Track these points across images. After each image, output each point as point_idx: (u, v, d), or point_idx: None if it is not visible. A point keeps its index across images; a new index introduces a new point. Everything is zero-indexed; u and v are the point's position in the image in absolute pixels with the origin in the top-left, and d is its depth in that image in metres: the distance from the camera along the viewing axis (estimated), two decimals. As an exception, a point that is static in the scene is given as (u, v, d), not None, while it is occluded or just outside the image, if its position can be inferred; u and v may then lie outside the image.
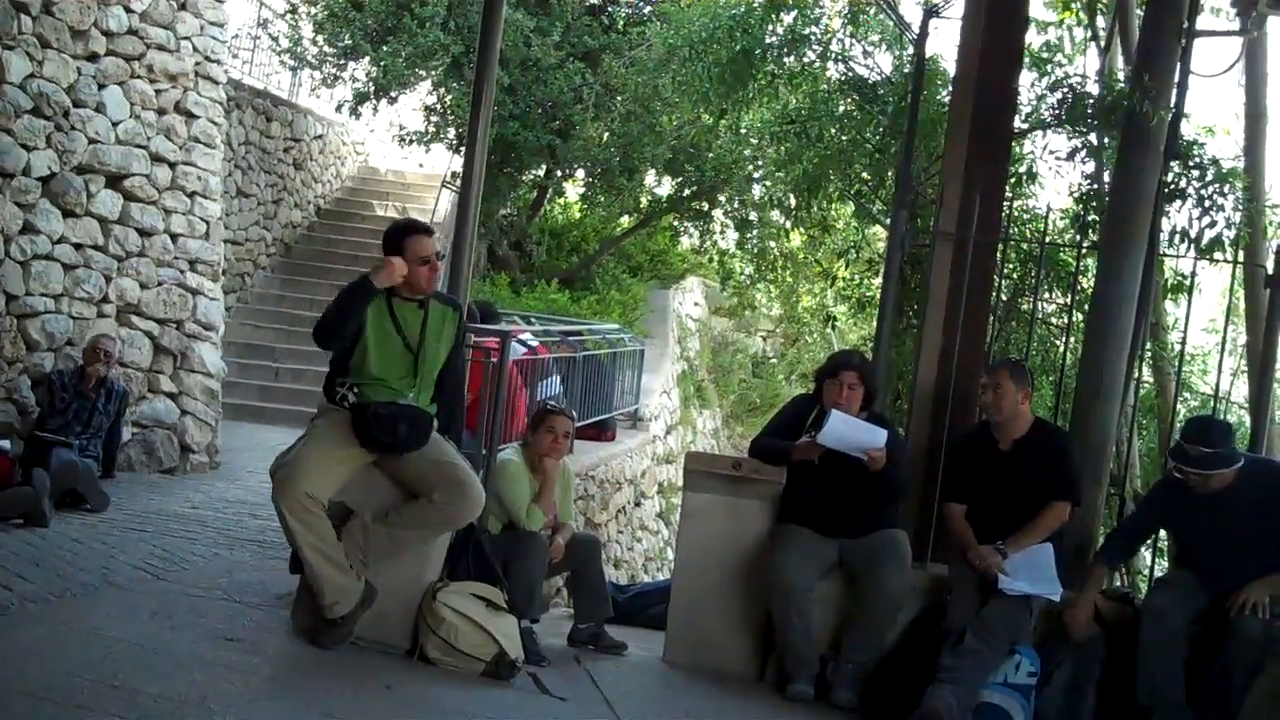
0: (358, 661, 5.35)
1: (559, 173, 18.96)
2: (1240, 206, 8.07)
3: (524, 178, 18.77)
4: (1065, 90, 8.94)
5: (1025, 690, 5.72)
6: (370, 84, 17.23)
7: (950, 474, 6.36)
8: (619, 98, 17.43)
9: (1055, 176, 10.24)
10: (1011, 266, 9.29)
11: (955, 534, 6.16)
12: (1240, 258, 8.27)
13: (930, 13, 8.86)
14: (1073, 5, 10.72)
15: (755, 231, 19.60)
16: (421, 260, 5.52)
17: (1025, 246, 9.26)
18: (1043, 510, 6.00)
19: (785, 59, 11.89)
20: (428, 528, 5.60)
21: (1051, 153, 9.55)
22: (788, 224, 16.45)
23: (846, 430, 6.05)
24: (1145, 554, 9.55)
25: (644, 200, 19.63)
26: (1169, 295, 10.49)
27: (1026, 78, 8.90)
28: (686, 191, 19.28)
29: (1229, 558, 5.69)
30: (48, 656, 4.68)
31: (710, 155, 17.94)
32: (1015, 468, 6.06)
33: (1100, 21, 10.29)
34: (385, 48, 16.62)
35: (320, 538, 5.29)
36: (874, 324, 8.92)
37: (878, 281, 10.51)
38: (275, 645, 5.47)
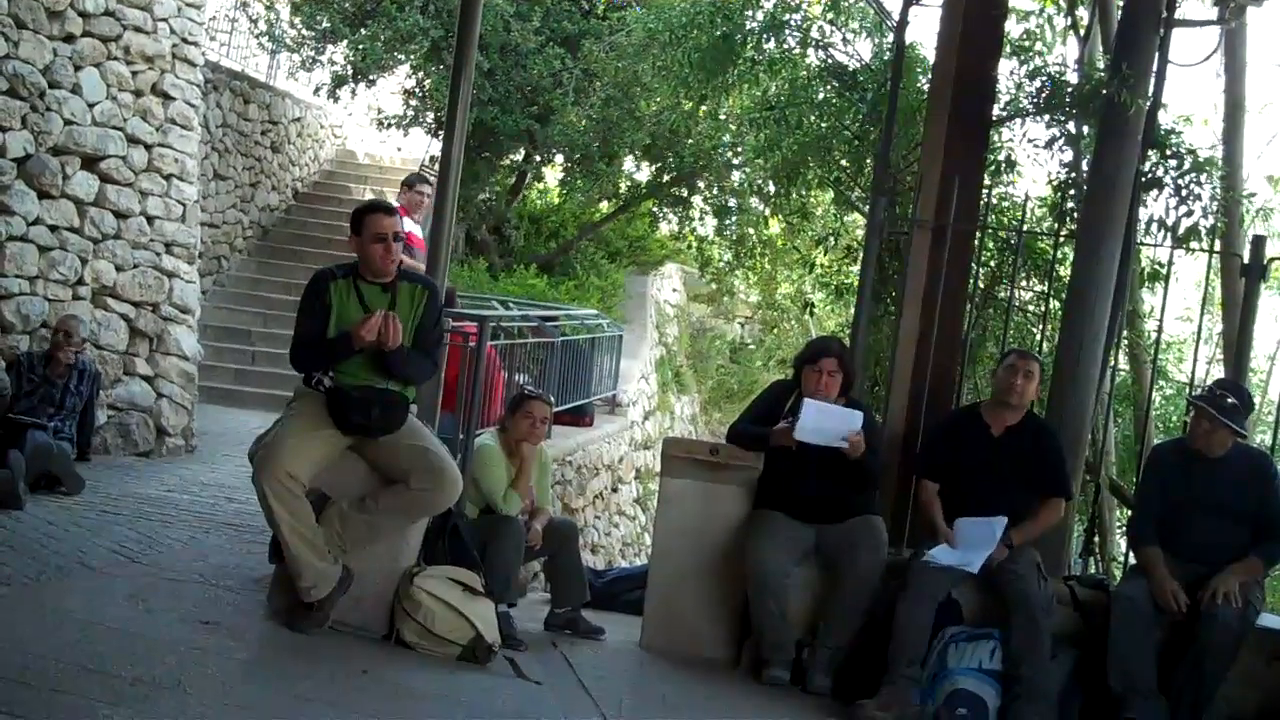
0: (334, 646, 5.35)
1: (538, 157, 18.89)
2: (1217, 196, 8.10)
3: (503, 162, 18.71)
4: (1044, 79, 8.96)
5: (998, 676, 5.73)
6: (348, 67, 17.14)
7: (929, 451, 6.40)
8: (598, 83, 17.38)
9: (1034, 165, 10.26)
10: (989, 254, 9.30)
11: (925, 511, 6.20)
12: (1216, 247, 8.31)
13: (910, 0, 8.86)
14: (1053, -6, 10.72)
15: (734, 218, 19.56)
16: (376, 238, 5.50)
17: (1003, 234, 9.28)
18: (1043, 507, 6.09)
19: (765, 45, 11.87)
20: (405, 514, 5.60)
21: (1030, 141, 9.55)
22: (766, 211, 16.43)
23: (822, 419, 6.07)
24: (1120, 540, 9.63)
25: (623, 186, 19.57)
26: (1145, 284, 10.53)
27: (1006, 66, 8.90)
28: (665, 177, 19.25)
29: (1208, 532, 5.78)
30: (22, 639, 4.66)
31: (689, 141, 17.89)
32: (1003, 454, 6.11)
33: (1080, 11, 10.30)
34: (364, 31, 16.54)
35: (300, 520, 5.29)
36: (852, 311, 8.93)
37: (856, 269, 10.50)
38: (251, 629, 5.47)
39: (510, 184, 19.61)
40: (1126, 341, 10.44)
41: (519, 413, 6.70)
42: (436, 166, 8.99)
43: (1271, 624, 5.89)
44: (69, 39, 9.11)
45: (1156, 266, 9.56)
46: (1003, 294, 8.82)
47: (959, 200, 6.80)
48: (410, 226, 9.22)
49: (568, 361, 12.13)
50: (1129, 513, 7.33)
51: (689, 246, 20.84)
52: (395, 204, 9.14)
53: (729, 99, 15.01)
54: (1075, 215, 8.29)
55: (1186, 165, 7.99)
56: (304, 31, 17.47)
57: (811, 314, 16.76)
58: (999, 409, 6.22)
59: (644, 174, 19.94)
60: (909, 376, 6.95)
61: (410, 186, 9.79)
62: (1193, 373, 7.77)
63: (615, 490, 14.48)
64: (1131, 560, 6.23)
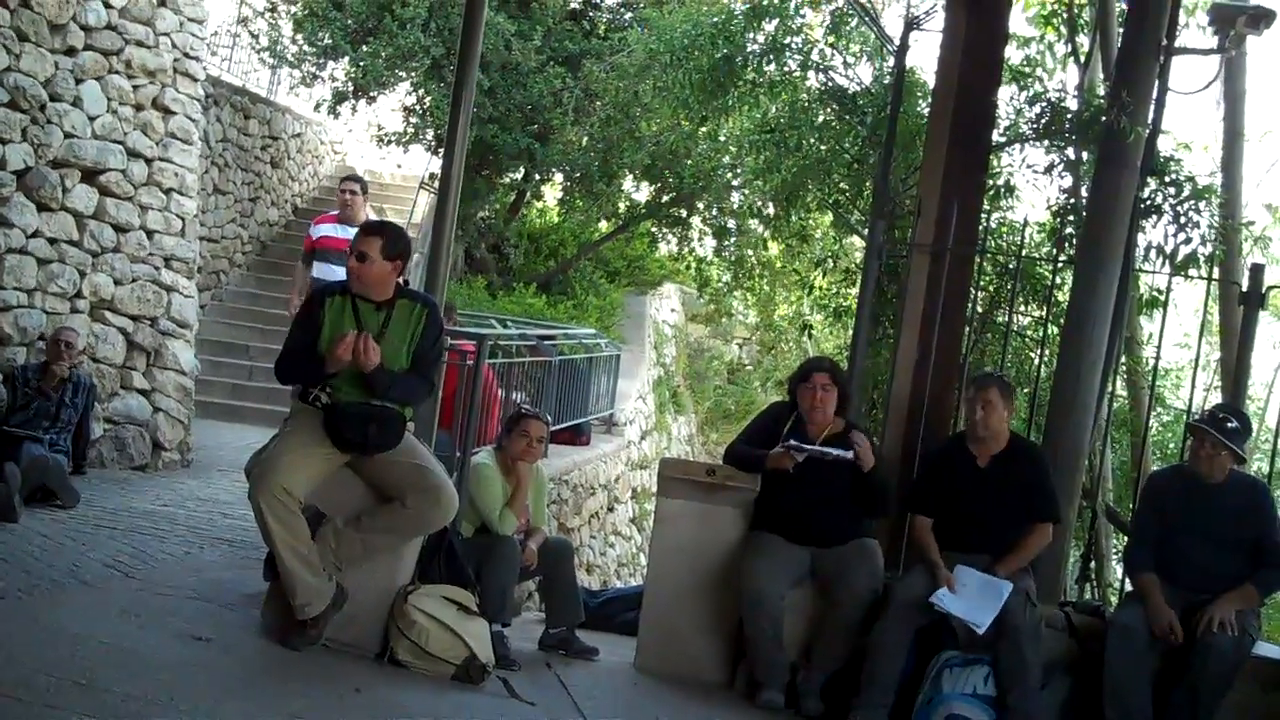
0: (328, 663, 5.33)
1: (537, 176, 18.93)
2: (1215, 223, 8.11)
3: (502, 181, 18.75)
4: (1044, 105, 8.99)
5: (992, 701, 5.71)
6: (349, 83, 17.19)
7: (921, 486, 6.36)
8: (599, 102, 17.42)
9: (1033, 190, 10.32)
10: (988, 279, 9.32)
11: (920, 546, 6.16)
12: (1215, 274, 8.32)
13: (911, 25, 8.89)
14: (1053, 21, 10.76)
15: (733, 239, 19.64)
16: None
17: (1002, 259, 9.29)
18: (1030, 533, 6.03)
19: (766, 67, 11.90)
20: (400, 532, 5.58)
21: (1029, 166, 9.58)
22: (765, 232, 16.48)
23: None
24: (1116, 567, 9.61)
25: (622, 206, 19.61)
26: (1144, 310, 10.55)
27: (1006, 91, 8.94)
28: (665, 198, 19.30)
29: (1205, 560, 5.77)
30: (15, 653, 4.63)
31: (689, 162, 17.93)
32: (992, 483, 6.07)
33: (1081, 37, 10.33)
34: (365, 48, 16.58)
35: (295, 537, 5.27)
36: (850, 333, 8.94)
37: (854, 291, 10.52)
38: (244, 645, 5.44)
39: (509, 202, 19.64)
40: (1124, 368, 10.44)
41: (515, 431, 6.69)
42: (436, 184, 8.98)
43: (1267, 653, 5.88)
44: (70, 52, 9.12)
45: (1155, 293, 9.58)
46: (1001, 318, 8.83)
47: (958, 224, 6.81)
48: (327, 230, 9.16)
49: (565, 380, 12.13)
50: (1126, 540, 7.31)
51: (688, 267, 20.89)
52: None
53: (729, 121, 15.06)
54: (1074, 241, 8.31)
55: (1185, 192, 8.01)
56: (305, 47, 17.50)
57: (810, 336, 16.76)
58: (978, 440, 6.20)
59: (643, 194, 19.98)
60: (907, 400, 6.95)
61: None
62: (1190, 399, 7.75)
63: (611, 510, 14.46)
64: (1128, 587, 6.21)
